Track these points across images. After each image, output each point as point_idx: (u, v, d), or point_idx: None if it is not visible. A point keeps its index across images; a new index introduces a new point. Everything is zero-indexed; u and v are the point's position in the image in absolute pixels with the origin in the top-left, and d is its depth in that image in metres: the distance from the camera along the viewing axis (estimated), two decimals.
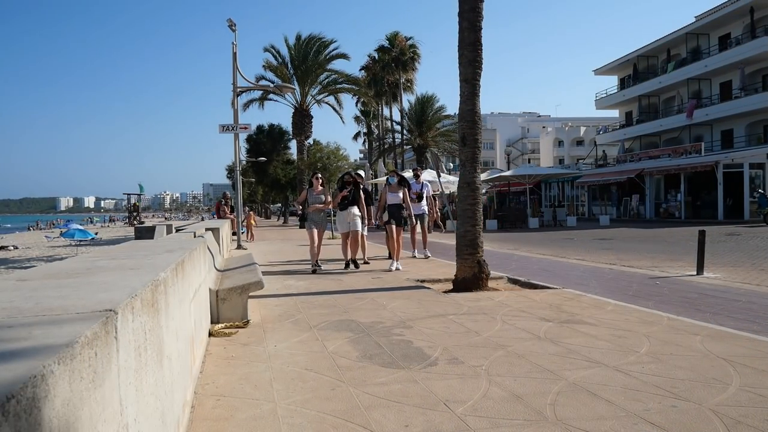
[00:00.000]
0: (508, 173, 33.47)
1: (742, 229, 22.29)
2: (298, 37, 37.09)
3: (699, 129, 40.35)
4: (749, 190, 29.88)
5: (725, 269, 10.13)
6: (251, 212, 24.39)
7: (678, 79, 41.71)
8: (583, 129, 76.05)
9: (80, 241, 39.03)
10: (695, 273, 9.41)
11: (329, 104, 40.20)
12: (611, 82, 52.48)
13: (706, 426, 3.05)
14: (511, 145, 56.27)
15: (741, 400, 3.43)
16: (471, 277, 7.92)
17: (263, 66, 36.35)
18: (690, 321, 5.71)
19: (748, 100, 36.08)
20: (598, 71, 51.72)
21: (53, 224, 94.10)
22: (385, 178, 13.35)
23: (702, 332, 5.18)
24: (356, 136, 68.05)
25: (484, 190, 29.43)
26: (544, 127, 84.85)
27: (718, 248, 14.04)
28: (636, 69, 47.42)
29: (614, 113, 53.80)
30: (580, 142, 75.14)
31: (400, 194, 11.39)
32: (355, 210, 11.08)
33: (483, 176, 26.04)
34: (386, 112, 52.16)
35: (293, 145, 42.70)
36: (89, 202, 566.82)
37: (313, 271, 10.51)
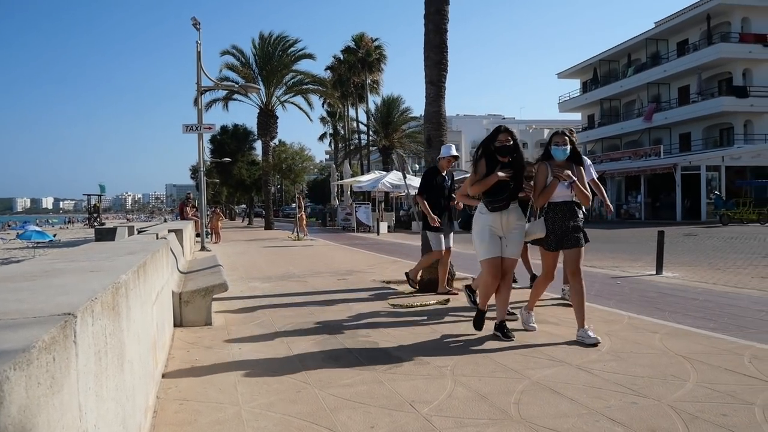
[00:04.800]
0: None
1: (699, 229, 22.89)
2: (262, 37, 36.73)
3: (658, 132, 41.35)
4: (706, 192, 30.77)
5: (683, 269, 10.38)
6: (218, 212, 23.85)
7: (638, 84, 42.67)
8: (546, 131, 76.88)
9: (38, 243, 38.06)
10: (655, 273, 9.63)
11: (295, 104, 39.94)
12: (574, 85, 53.38)
13: (665, 421, 3.12)
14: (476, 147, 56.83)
15: (698, 395, 3.52)
16: (436, 278, 7.96)
17: (227, 66, 35.95)
18: (649, 319, 5.84)
19: (705, 105, 37.13)
20: (562, 75, 52.59)
21: (9, 226, 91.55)
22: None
23: (661, 330, 5.30)
24: (322, 137, 67.82)
25: None
26: None
27: (677, 248, 14.39)
28: (598, 73, 48.35)
29: (577, 116, 54.75)
30: (544, 144, 76.18)
31: (572, 182, 5.08)
32: (519, 211, 5.31)
33: None
34: (352, 113, 52.10)
35: (258, 145, 42.38)
36: (47, 203, 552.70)
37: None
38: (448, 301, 7.18)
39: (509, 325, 5.28)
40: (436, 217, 7.46)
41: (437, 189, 7.55)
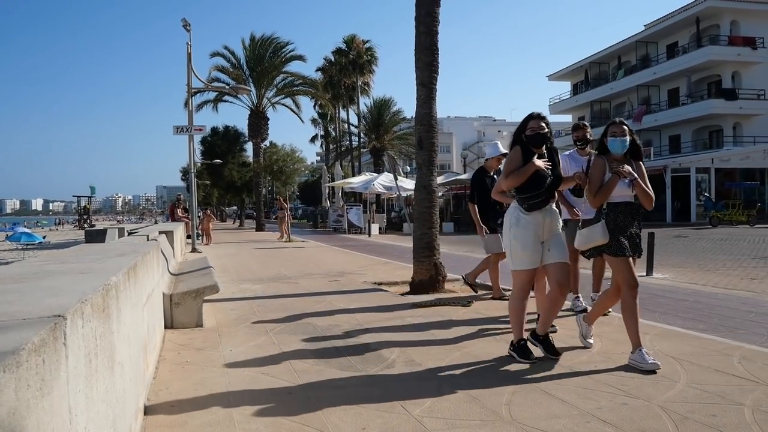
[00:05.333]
0: (464, 176, 33.75)
1: (689, 231, 23.03)
2: (253, 38, 36.67)
3: (648, 134, 41.57)
4: (696, 194, 30.97)
5: (673, 270, 10.44)
6: (208, 213, 23.71)
7: (628, 86, 42.90)
8: None
9: (27, 244, 37.76)
10: (645, 274, 9.68)
11: (286, 106, 39.91)
12: (564, 87, 53.63)
13: (656, 422, 3.14)
14: (468, 149, 56.84)
15: (688, 396, 3.54)
16: (428, 280, 7.97)
17: (217, 68, 35.86)
18: (640, 320, 5.85)
19: (694, 107, 37.40)
20: (552, 77, 52.79)
21: None
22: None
23: (651, 331, 5.32)
24: (313, 139, 67.81)
25: (440, 193, 29.72)
26: (499, 131, 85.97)
27: (667, 250, 14.47)
28: (588, 75, 48.61)
29: (567, 118, 54.97)
30: None
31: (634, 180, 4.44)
32: (556, 211, 4.83)
33: (440, 179, 26.31)
34: (343, 114, 52.15)
35: (249, 147, 42.26)
36: (37, 204, 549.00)
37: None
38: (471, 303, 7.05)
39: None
40: (484, 227, 7.13)
41: (489, 191, 6.63)
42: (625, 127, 4.48)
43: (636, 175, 4.36)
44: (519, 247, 4.46)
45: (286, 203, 24.41)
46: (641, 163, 4.56)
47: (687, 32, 39.26)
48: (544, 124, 4.52)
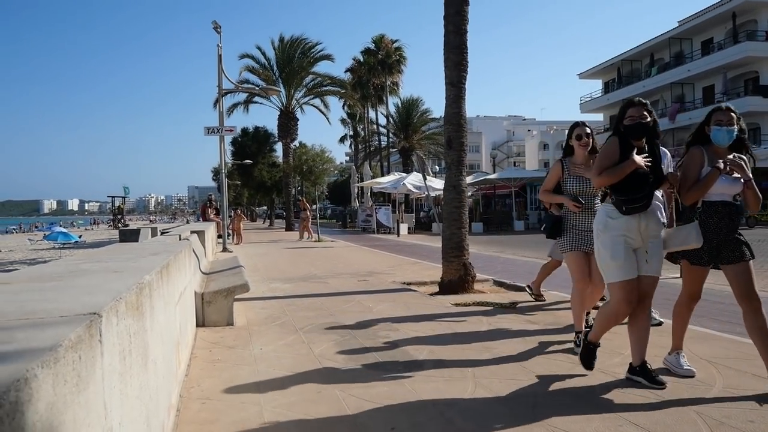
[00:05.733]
0: (493, 176, 33.60)
1: None
2: (282, 39, 36.95)
3: (682, 133, 40.69)
4: None
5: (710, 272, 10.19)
6: (239, 213, 23.97)
7: (661, 83, 42.13)
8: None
9: (64, 244, 38.61)
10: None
11: (315, 106, 40.15)
12: (596, 86, 52.93)
13: (690, 427, 3.08)
14: (497, 149, 56.42)
15: (724, 401, 3.46)
16: (457, 280, 7.94)
17: (247, 68, 36.20)
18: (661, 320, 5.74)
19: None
20: (583, 75, 52.13)
21: (36, 227, 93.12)
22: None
23: (687, 334, 5.20)
24: (342, 139, 68.02)
25: (469, 193, 29.57)
26: (529, 130, 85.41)
27: None
28: (620, 73, 47.85)
29: (599, 117, 54.21)
30: (563, 145, 75.42)
31: (748, 180, 3.93)
32: (657, 215, 4.11)
33: (469, 179, 26.14)
34: (372, 114, 52.19)
35: (279, 147, 42.59)
36: (73, 204, 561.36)
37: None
38: (515, 305, 6.93)
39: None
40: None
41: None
42: (733, 114, 3.91)
43: (750, 174, 3.76)
44: (608, 256, 3.84)
45: (309, 204, 24.54)
46: (745, 156, 3.91)
47: (723, 28, 38.40)
48: (646, 112, 3.84)
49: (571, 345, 4.85)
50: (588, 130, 4.94)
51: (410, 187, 28.57)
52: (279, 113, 36.69)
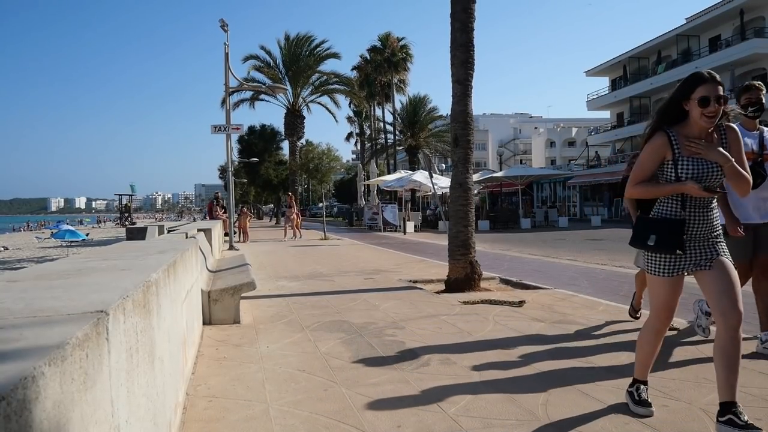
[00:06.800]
0: (500, 174, 33.54)
1: None
2: (288, 37, 37.01)
3: None
4: None
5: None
6: (245, 211, 23.95)
7: (669, 81, 41.84)
8: (574, 130, 76.18)
9: (71, 242, 38.83)
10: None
11: (322, 104, 40.20)
12: (602, 83, 52.65)
13: (697, 425, 3.07)
14: (503, 146, 56.39)
15: None
16: (463, 278, 7.94)
17: (254, 67, 36.28)
18: (681, 321, 5.72)
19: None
20: (590, 72, 51.89)
21: (43, 225, 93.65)
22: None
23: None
24: (348, 137, 68.06)
25: (476, 191, 29.49)
26: (536, 128, 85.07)
27: None
28: (627, 70, 47.60)
29: (606, 114, 53.99)
30: (571, 143, 75.32)
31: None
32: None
33: (475, 177, 26.02)
34: (378, 112, 52.18)
35: (285, 145, 42.65)
36: (80, 202, 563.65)
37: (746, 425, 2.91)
38: (522, 303, 6.75)
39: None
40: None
41: None
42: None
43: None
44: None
45: (297, 201, 24.24)
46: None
47: (730, 25, 38.16)
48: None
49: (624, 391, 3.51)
50: (720, 90, 3.05)
51: (418, 179, 28.36)
52: (285, 111, 36.78)
